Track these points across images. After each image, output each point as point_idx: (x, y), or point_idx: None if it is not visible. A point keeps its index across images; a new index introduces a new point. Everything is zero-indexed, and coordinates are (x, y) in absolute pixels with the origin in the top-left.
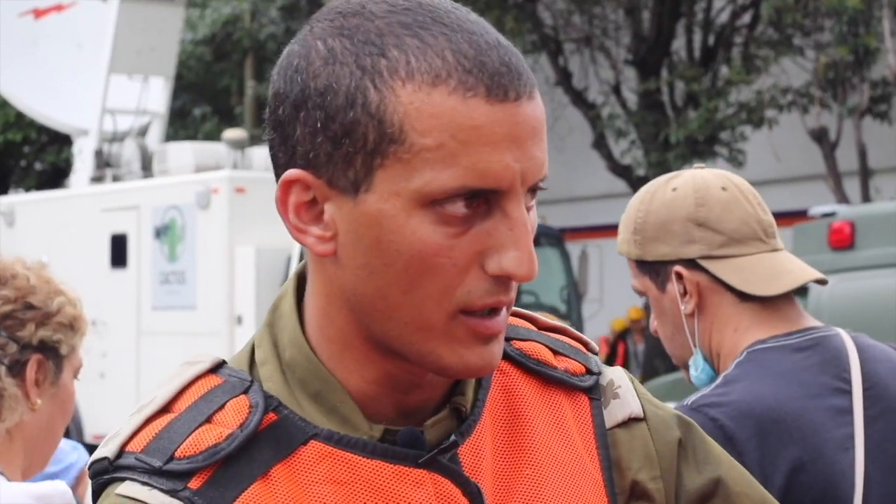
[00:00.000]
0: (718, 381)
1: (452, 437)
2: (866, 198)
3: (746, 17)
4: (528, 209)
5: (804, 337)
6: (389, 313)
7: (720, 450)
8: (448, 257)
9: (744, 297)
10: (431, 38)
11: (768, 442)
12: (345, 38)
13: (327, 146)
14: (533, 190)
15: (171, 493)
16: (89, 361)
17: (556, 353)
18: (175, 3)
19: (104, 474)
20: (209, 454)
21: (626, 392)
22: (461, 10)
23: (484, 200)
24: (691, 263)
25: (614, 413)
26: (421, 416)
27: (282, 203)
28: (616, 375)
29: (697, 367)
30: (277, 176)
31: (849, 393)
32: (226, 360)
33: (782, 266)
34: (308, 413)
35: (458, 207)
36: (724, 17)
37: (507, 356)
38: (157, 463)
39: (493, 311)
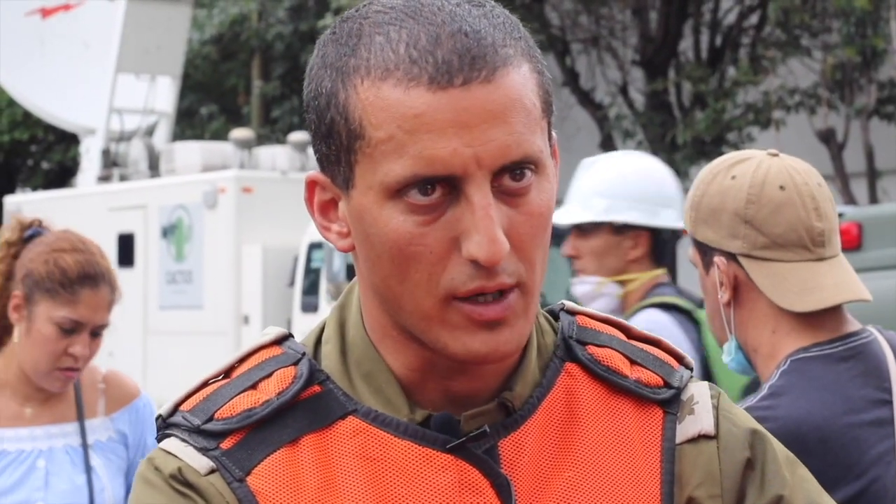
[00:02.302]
0: (764, 391)
1: (484, 428)
2: (873, 199)
3: (754, 18)
4: (520, 192)
5: (846, 345)
6: (398, 303)
7: (792, 471)
8: (422, 245)
9: None
10: (395, 33)
11: (814, 461)
12: (334, 43)
13: (323, 147)
14: (517, 172)
15: (203, 450)
16: (97, 360)
17: (633, 362)
18: (182, 2)
19: (159, 431)
20: (243, 417)
21: (702, 408)
22: (453, 5)
23: (451, 188)
24: (731, 257)
25: (686, 429)
26: (471, 406)
27: (309, 202)
28: (698, 391)
29: (730, 354)
30: None
31: (890, 403)
32: (292, 334)
33: (819, 280)
34: (359, 391)
35: (419, 196)
36: (731, 18)
37: (577, 360)
38: (197, 421)
39: (499, 294)
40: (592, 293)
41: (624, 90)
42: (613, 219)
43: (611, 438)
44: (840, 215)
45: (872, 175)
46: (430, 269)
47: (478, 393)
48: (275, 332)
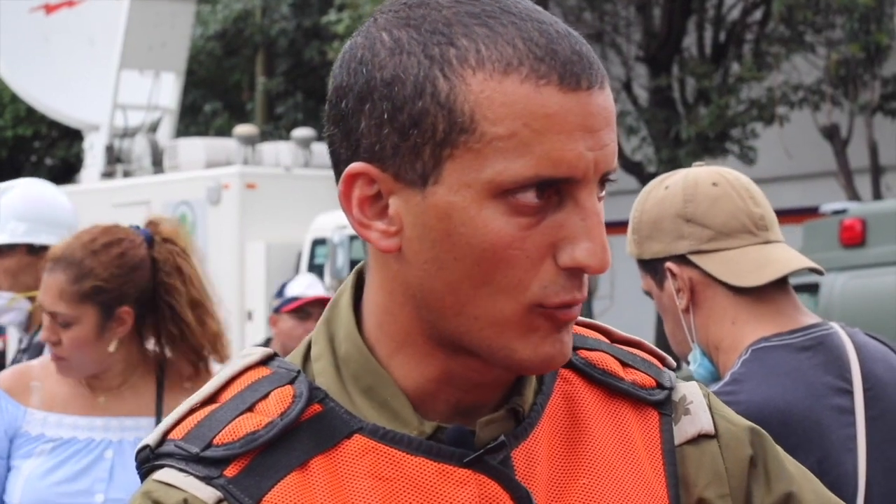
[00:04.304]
0: (726, 378)
1: (502, 438)
2: (877, 195)
3: (758, 14)
4: (599, 200)
5: (807, 336)
6: (459, 308)
7: (793, 464)
8: (521, 249)
9: (737, 290)
10: (501, 26)
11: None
12: (411, 29)
13: (394, 138)
14: (603, 182)
15: (206, 479)
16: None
17: (625, 365)
18: None
19: (146, 462)
20: (246, 441)
21: (697, 408)
22: (528, 1)
23: (556, 191)
24: (682, 259)
25: (684, 429)
26: (477, 415)
27: (345, 197)
28: (690, 391)
29: (695, 361)
30: (339, 171)
31: (850, 393)
32: (278, 353)
33: (770, 257)
34: (359, 407)
35: (530, 197)
36: (735, 14)
37: (571, 365)
38: (194, 449)
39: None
40: (4, 308)
41: (627, 86)
42: (32, 240)
43: (616, 443)
44: (844, 212)
45: (876, 171)
46: (521, 275)
47: (487, 403)
48: (259, 352)
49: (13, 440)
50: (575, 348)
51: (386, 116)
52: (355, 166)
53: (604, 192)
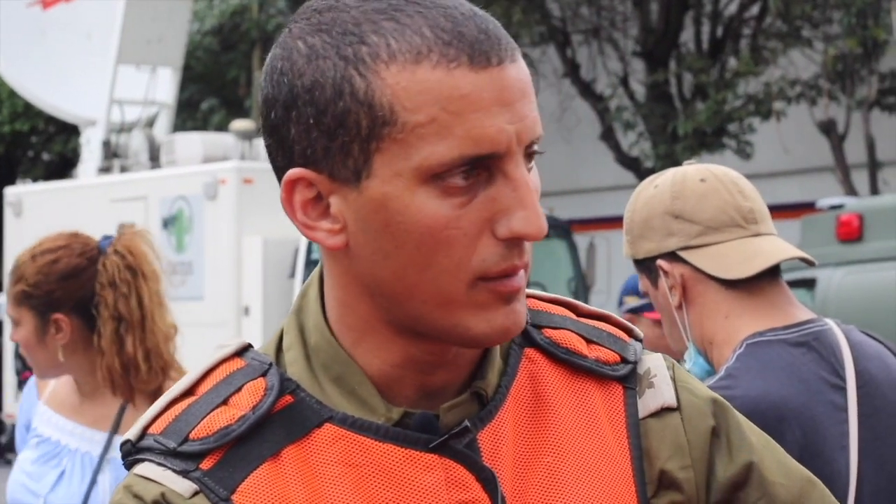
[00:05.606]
0: (721, 373)
1: (465, 423)
2: (874, 190)
3: (755, 9)
4: (528, 171)
5: (801, 331)
6: (409, 294)
7: (757, 435)
8: (457, 228)
9: (728, 284)
10: (407, 17)
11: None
12: (323, 34)
13: (323, 140)
14: (530, 154)
15: (183, 473)
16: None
17: (589, 341)
18: None
19: (128, 456)
20: (220, 435)
21: (661, 381)
22: None
23: (484, 168)
24: (673, 256)
25: (647, 403)
26: (443, 397)
27: (288, 203)
28: (654, 364)
29: (691, 359)
30: (279, 179)
31: (844, 390)
32: (252, 344)
33: (759, 249)
34: (330, 396)
35: (458, 180)
36: (732, 9)
37: (535, 344)
38: (171, 444)
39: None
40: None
41: (625, 81)
42: None
43: (580, 420)
44: (841, 206)
45: (873, 166)
46: (460, 253)
47: (452, 385)
48: (234, 344)
49: (27, 427)
50: (540, 327)
51: (312, 121)
52: (293, 172)
53: (532, 164)
